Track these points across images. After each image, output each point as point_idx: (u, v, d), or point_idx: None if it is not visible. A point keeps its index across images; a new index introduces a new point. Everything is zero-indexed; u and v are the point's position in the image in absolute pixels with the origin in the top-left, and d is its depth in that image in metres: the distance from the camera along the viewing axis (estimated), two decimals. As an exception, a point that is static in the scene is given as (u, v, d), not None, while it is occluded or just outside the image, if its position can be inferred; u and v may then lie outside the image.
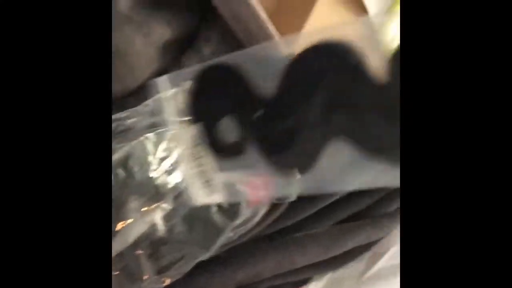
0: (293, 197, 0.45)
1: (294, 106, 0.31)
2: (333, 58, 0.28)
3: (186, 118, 0.34)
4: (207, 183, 0.36)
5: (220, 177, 0.40)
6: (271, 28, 0.41)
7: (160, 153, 0.36)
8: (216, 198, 0.37)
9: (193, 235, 0.38)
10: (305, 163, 0.34)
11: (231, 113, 0.34)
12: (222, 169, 0.40)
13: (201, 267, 0.43)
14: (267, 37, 0.42)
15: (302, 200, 0.49)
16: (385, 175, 0.29)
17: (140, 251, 0.36)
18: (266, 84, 0.31)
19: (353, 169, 0.32)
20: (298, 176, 0.35)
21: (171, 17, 0.45)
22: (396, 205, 0.52)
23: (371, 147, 0.29)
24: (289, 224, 0.49)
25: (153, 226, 0.36)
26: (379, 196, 0.52)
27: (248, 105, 0.33)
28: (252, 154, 0.35)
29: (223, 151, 0.36)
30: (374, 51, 0.26)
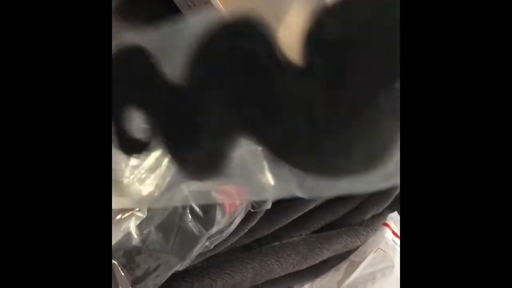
0: (268, 205, 0.46)
1: (199, 96, 0.27)
2: (242, 40, 0.24)
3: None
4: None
5: (194, 185, 0.41)
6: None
7: (133, 161, 0.36)
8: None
9: (168, 244, 0.38)
10: (212, 164, 0.30)
11: (139, 102, 0.30)
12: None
13: (179, 277, 0.42)
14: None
15: (278, 209, 0.49)
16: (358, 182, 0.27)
17: (114, 261, 0.35)
18: (175, 68, 0.27)
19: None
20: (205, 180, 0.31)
21: None
22: (370, 213, 0.53)
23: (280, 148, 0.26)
24: (266, 233, 0.49)
25: (128, 235, 0.36)
26: (354, 204, 0.52)
27: (155, 93, 0.29)
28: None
29: (130, 148, 0.33)
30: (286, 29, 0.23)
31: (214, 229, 0.40)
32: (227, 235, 0.43)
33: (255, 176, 0.33)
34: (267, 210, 0.49)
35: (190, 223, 0.39)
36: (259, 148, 0.27)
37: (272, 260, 0.47)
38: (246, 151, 0.28)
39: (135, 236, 0.36)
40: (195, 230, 0.39)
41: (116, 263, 0.35)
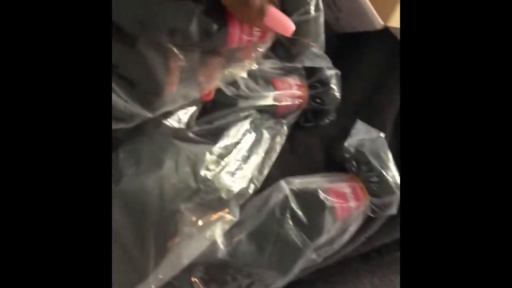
0: (394, 210, 0.35)
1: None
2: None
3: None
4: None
5: (296, 182, 0.32)
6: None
7: (218, 149, 0.28)
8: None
9: (264, 257, 0.29)
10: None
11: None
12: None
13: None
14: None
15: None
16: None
17: (195, 278, 0.28)
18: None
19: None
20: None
21: None
22: None
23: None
24: (389, 241, 0.39)
25: (213, 245, 0.28)
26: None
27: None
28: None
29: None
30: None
31: (322, 239, 0.31)
32: (339, 247, 0.34)
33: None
34: (392, 215, 0.39)
35: (291, 231, 0.30)
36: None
37: (395, 273, 0.37)
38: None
39: (222, 246, 0.28)
40: (298, 240, 0.30)
41: (197, 280, 0.28)
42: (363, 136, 0.35)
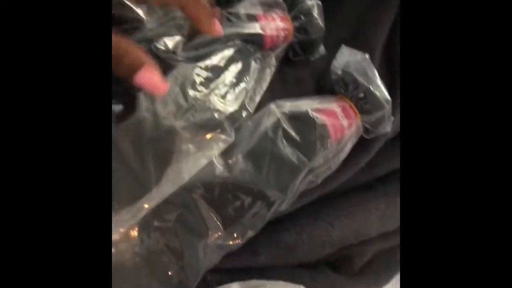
0: (387, 128, 0.36)
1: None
2: None
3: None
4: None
5: (287, 106, 0.33)
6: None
7: (205, 72, 0.30)
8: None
9: (261, 174, 0.31)
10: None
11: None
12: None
13: (285, 221, 0.35)
14: None
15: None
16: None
17: (196, 195, 0.29)
18: None
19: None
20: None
21: None
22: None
23: None
24: (391, 170, 0.40)
25: (211, 165, 0.30)
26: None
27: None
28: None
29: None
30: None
31: (317, 158, 0.33)
32: (336, 167, 0.35)
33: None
34: (391, 141, 0.40)
35: (285, 150, 0.31)
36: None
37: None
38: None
39: (219, 166, 0.30)
40: (293, 158, 0.32)
41: (197, 197, 0.29)
42: (348, 58, 0.36)
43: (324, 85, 0.38)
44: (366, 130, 0.35)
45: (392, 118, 0.36)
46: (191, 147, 0.29)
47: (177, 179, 0.28)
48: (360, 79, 0.34)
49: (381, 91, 0.34)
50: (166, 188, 0.28)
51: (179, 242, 0.29)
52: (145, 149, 0.27)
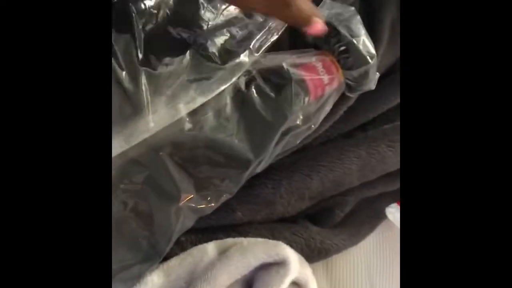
0: (372, 85, 0.34)
1: None
2: None
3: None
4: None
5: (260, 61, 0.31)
6: None
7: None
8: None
9: (232, 132, 0.29)
10: None
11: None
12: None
13: (261, 175, 0.34)
14: None
15: (386, 84, 0.37)
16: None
17: (164, 154, 0.28)
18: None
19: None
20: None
21: None
22: None
23: None
24: (372, 117, 0.38)
25: (178, 122, 0.28)
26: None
27: None
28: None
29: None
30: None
31: (294, 116, 0.31)
32: (316, 127, 0.33)
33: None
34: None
35: (258, 106, 0.30)
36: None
37: (383, 145, 0.37)
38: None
39: (188, 123, 0.28)
40: (267, 115, 0.30)
41: (169, 158, 0.28)
42: (332, 10, 0.33)
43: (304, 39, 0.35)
44: (349, 87, 0.34)
45: (377, 74, 0.34)
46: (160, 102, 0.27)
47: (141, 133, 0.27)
48: (343, 31, 0.32)
49: (366, 45, 0.32)
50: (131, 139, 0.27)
51: (149, 206, 0.28)
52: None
